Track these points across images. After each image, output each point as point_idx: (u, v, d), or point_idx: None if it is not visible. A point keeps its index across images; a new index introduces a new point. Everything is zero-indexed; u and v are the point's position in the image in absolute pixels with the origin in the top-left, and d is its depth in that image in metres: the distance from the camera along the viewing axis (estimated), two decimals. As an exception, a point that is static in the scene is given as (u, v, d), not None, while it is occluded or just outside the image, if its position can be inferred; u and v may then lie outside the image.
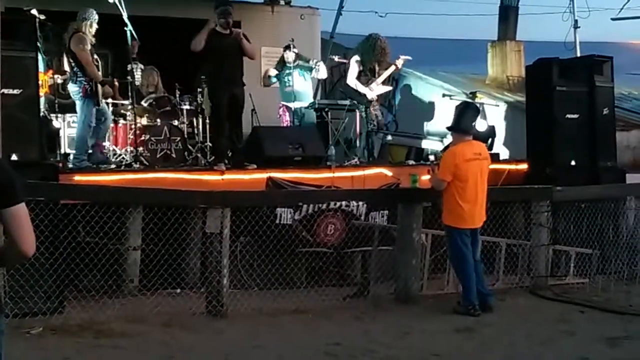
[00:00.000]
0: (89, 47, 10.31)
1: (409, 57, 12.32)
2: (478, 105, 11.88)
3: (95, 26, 10.48)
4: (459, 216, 8.49)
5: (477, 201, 8.55)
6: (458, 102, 15.22)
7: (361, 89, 11.93)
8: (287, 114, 12.29)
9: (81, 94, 10.35)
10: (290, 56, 12.37)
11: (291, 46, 12.39)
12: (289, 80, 12.40)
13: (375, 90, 12.01)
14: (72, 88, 10.49)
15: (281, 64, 12.52)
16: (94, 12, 10.47)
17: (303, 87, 12.53)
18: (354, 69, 12.01)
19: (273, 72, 12.59)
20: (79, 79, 10.37)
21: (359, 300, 9.18)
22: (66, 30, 10.51)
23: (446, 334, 7.90)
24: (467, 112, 8.78)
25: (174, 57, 11.76)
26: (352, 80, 12.06)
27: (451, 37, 22.66)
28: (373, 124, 12.07)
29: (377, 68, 12.10)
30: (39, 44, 9.72)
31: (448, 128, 8.85)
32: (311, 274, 9.92)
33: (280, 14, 14.90)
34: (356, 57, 12.09)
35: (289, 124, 12.20)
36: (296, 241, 9.68)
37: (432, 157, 9.26)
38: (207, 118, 11.35)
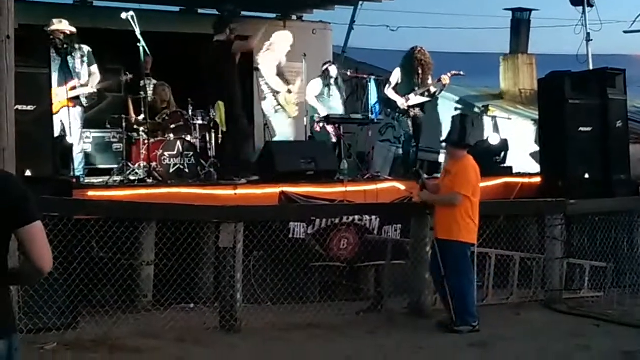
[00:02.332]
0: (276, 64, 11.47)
1: (461, 72, 12.21)
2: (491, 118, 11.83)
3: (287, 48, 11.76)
4: (471, 231, 8.44)
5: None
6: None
7: (394, 97, 11.97)
8: (330, 126, 12.29)
9: (274, 110, 11.33)
10: (333, 71, 12.50)
11: (333, 62, 12.60)
12: (330, 93, 12.51)
13: (411, 100, 11.93)
14: (264, 105, 11.51)
15: (325, 78, 12.61)
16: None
17: (337, 103, 12.63)
18: (392, 79, 12.12)
19: (315, 89, 12.61)
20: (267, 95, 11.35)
21: (373, 315, 9.15)
22: None
23: (460, 348, 7.88)
24: (468, 126, 8.72)
25: (187, 72, 11.80)
26: (387, 89, 12.17)
27: (463, 51, 22.60)
28: (405, 134, 12.11)
29: (421, 80, 12.03)
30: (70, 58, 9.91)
31: (454, 144, 8.65)
32: (324, 288, 9.90)
33: (292, 28, 14.89)
34: (397, 69, 12.13)
35: (337, 136, 12.21)
36: (309, 255, 9.67)
37: (424, 175, 9.05)
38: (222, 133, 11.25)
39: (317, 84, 12.57)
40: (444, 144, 9.01)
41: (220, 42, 10.73)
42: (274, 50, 11.67)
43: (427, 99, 12.16)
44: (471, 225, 8.42)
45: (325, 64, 12.78)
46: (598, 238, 10.37)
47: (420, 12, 36.42)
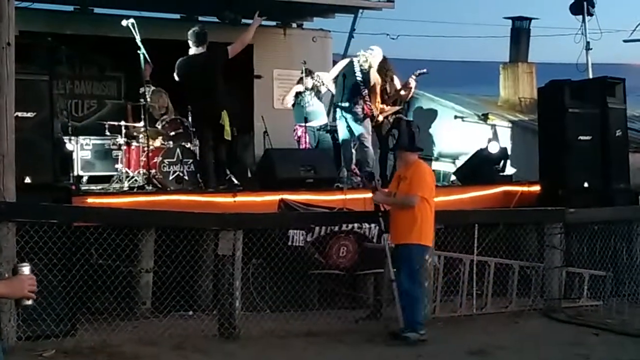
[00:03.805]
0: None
1: (424, 70, 12.36)
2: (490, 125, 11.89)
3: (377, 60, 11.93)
4: (429, 235, 8.36)
5: None
6: (470, 124, 15.40)
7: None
8: (306, 135, 12.34)
9: (363, 115, 11.57)
10: (309, 83, 12.49)
11: (311, 73, 12.56)
12: (308, 101, 12.50)
13: (386, 111, 12.06)
14: (355, 109, 11.51)
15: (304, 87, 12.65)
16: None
17: (317, 107, 12.64)
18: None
19: (291, 99, 12.66)
20: (366, 101, 11.44)
21: (372, 323, 9.14)
22: None
23: (459, 356, 7.88)
24: (415, 131, 8.66)
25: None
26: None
27: (463, 59, 22.67)
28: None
29: (388, 88, 12.18)
30: None
31: (405, 148, 8.68)
32: (323, 296, 9.88)
33: (292, 36, 14.95)
34: None
35: (308, 146, 12.25)
36: (308, 263, 9.65)
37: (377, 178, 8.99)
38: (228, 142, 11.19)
39: (290, 95, 12.64)
40: (395, 151, 8.96)
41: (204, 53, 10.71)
42: (373, 64, 11.78)
43: (399, 107, 12.27)
44: (429, 228, 8.34)
45: (302, 73, 12.71)
46: (597, 247, 10.38)
47: (420, 21, 36.55)
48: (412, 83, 12.33)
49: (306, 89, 12.55)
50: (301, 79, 12.59)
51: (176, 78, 10.87)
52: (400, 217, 8.38)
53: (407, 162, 8.55)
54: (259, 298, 9.51)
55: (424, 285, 8.39)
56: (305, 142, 12.33)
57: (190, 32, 10.79)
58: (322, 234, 9.76)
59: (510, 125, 15.10)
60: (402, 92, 12.32)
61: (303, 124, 12.27)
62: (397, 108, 12.29)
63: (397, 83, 12.47)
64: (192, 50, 10.75)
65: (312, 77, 12.50)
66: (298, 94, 12.62)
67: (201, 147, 10.91)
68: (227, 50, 10.61)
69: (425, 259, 8.39)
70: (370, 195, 9.10)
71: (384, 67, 12.17)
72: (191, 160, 10.78)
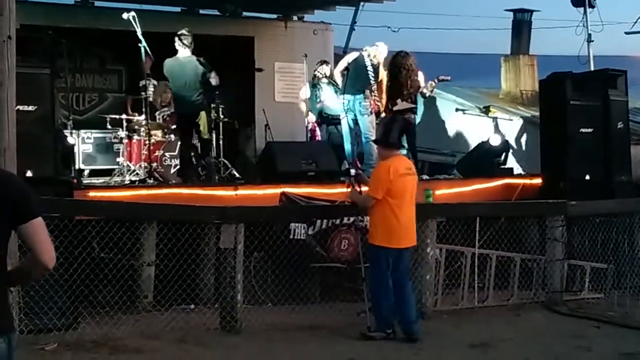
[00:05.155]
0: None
1: (448, 78, 12.35)
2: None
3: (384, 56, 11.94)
4: (393, 234, 8.05)
5: (411, 219, 8.21)
6: (471, 117, 15.41)
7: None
8: (318, 129, 12.34)
9: (370, 110, 11.52)
10: (326, 70, 12.46)
11: (326, 62, 12.52)
12: (319, 95, 12.47)
13: (398, 105, 12.01)
14: (365, 103, 11.45)
15: (315, 79, 12.64)
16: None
17: (333, 102, 12.53)
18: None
19: (306, 93, 12.62)
20: (374, 95, 11.53)
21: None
22: None
23: (461, 349, 7.88)
24: (394, 126, 8.52)
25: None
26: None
27: (464, 52, 22.64)
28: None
29: (407, 86, 12.11)
30: None
31: (375, 142, 8.59)
32: (325, 289, 9.89)
33: (293, 29, 14.94)
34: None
35: (320, 139, 12.27)
36: (310, 256, 9.66)
37: (352, 172, 8.94)
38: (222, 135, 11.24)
39: (305, 88, 12.61)
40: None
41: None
42: (380, 60, 11.81)
43: (413, 105, 12.22)
44: (394, 228, 8.04)
45: (317, 63, 12.75)
46: (599, 239, 10.37)
47: (421, 13, 36.48)
48: (433, 86, 12.27)
49: (323, 75, 12.55)
50: (315, 71, 12.61)
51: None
52: (369, 216, 8.31)
53: (381, 157, 8.43)
54: (261, 291, 9.52)
55: (386, 285, 8.07)
56: (319, 135, 12.36)
57: (181, 33, 10.73)
58: (323, 227, 9.77)
59: (511, 117, 15.09)
60: (424, 91, 12.24)
61: (315, 119, 12.31)
62: (412, 106, 12.17)
63: (422, 79, 12.27)
64: (180, 52, 10.71)
65: (328, 65, 12.54)
66: (313, 87, 12.59)
67: (181, 142, 10.95)
68: (211, 77, 10.59)
69: (383, 260, 8.08)
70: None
71: (406, 63, 12.00)
72: (192, 154, 10.79)
